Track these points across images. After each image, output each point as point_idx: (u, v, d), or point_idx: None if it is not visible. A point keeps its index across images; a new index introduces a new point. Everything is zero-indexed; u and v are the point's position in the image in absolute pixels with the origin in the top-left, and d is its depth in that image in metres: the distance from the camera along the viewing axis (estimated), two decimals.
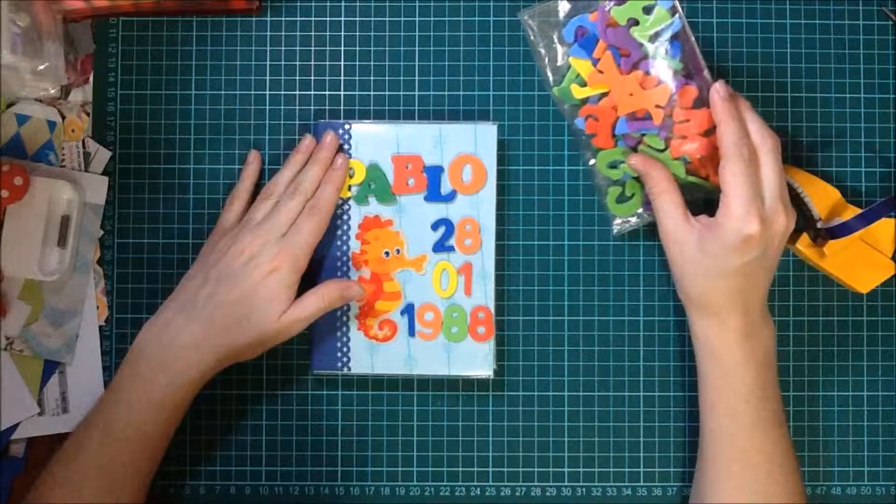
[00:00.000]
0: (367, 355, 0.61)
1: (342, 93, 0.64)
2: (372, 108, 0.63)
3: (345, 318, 0.61)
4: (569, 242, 0.63)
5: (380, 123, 0.61)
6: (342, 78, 0.64)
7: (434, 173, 0.61)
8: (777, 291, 0.63)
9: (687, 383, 0.62)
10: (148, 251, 0.63)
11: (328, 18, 0.64)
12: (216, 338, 0.56)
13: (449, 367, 0.61)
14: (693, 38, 0.55)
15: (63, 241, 0.61)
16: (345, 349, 0.61)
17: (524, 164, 0.63)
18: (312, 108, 0.63)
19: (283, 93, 0.63)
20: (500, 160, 0.62)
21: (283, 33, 0.64)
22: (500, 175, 0.62)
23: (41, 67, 0.58)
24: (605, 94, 0.58)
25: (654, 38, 0.56)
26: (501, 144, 0.62)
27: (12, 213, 0.60)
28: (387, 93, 0.63)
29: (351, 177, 0.61)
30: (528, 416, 0.63)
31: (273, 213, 0.58)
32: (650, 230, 0.62)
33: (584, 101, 0.58)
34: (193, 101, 0.63)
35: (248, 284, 0.56)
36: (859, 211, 0.58)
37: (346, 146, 0.61)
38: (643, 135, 0.58)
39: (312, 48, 0.64)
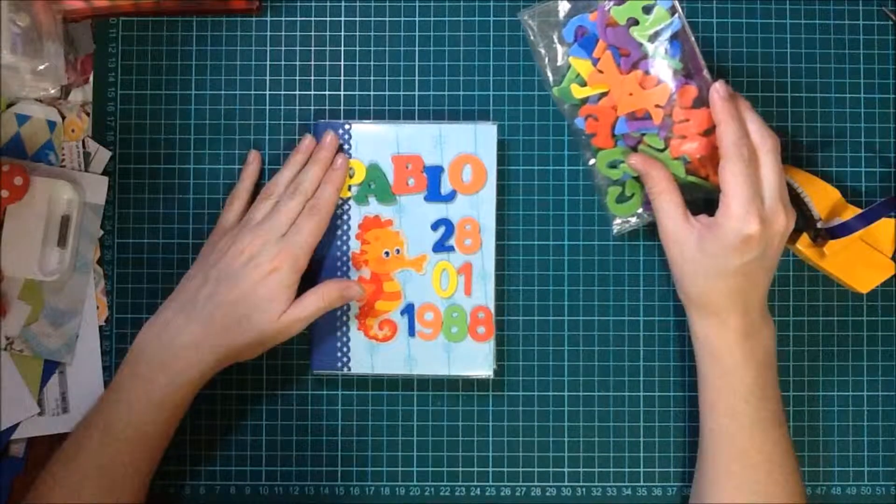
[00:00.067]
0: (367, 355, 0.61)
1: (342, 93, 0.64)
2: (372, 108, 0.63)
3: (345, 318, 0.61)
4: (569, 242, 0.63)
5: (380, 123, 0.61)
6: (342, 78, 0.64)
7: (434, 173, 0.61)
8: (777, 291, 0.63)
9: (687, 383, 0.62)
10: (148, 251, 0.63)
11: (328, 18, 0.64)
12: (216, 338, 0.56)
13: (449, 367, 0.61)
14: (693, 38, 0.55)
15: (63, 241, 0.61)
16: (345, 349, 0.61)
17: (524, 164, 0.63)
18: (312, 108, 0.63)
19: (283, 93, 0.63)
20: (500, 160, 0.62)
21: (283, 33, 0.64)
22: (500, 175, 0.62)
23: (41, 67, 0.58)
24: (604, 94, 0.58)
25: (653, 38, 0.56)
26: (501, 144, 0.62)
27: (12, 213, 0.60)
28: (387, 93, 0.63)
29: (351, 177, 0.61)
30: (528, 416, 0.63)
31: (273, 213, 0.58)
32: (650, 230, 0.62)
33: (584, 100, 0.58)
34: (193, 101, 0.63)
35: (247, 284, 0.56)
36: (859, 211, 0.58)
37: (346, 146, 0.61)
38: (643, 134, 0.57)
39: (312, 48, 0.64)
